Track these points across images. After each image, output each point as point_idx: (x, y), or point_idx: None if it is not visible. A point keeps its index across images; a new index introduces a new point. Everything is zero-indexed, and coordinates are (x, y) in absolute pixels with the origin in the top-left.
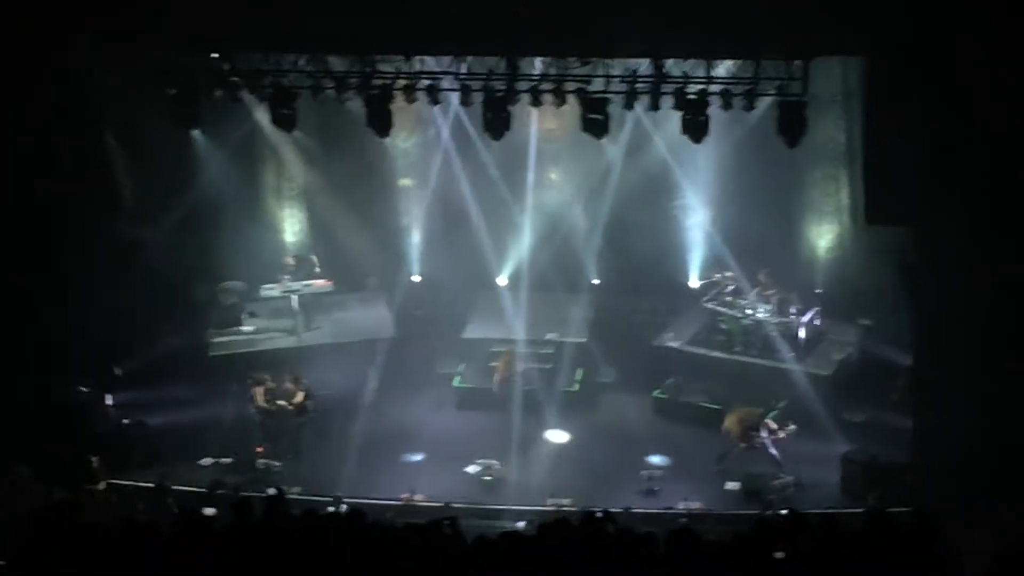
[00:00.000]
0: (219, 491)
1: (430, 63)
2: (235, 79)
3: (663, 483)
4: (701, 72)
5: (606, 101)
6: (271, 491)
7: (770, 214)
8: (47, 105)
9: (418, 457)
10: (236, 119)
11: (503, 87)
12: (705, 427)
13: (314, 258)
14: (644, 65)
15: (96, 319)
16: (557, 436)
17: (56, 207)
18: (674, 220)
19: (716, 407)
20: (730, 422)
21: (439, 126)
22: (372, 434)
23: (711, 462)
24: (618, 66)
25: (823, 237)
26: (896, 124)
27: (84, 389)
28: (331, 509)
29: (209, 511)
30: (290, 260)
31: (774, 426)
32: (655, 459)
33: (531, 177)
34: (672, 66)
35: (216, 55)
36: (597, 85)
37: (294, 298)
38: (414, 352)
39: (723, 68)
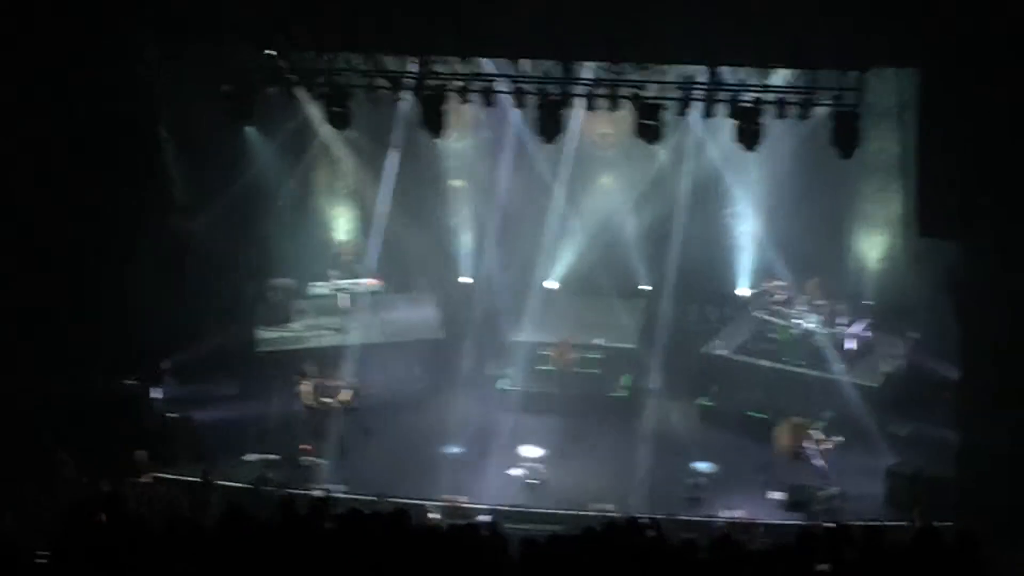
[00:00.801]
0: (264, 487)
1: (485, 65)
2: (290, 76)
3: (707, 491)
4: (756, 80)
5: (660, 107)
6: (318, 493)
7: (821, 224)
8: (102, 98)
9: (456, 450)
10: (289, 116)
11: (557, 91)
12: (750, 436)
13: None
14: (699, 72)
15: (145, 314)
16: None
17: (108, 201)
18: (725, 228)
19: (762, 416)
20: (783, 433)
21: (492, 128)
22: (418, 434)
23: (756, 471)
24: (673, 72)
25: (874, 248)
26: (951, 137)
27: (131, 383)
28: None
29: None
30: (345, 255)
31: (820, 437)
32: (701, 465)
33: (583, 181)
34: (727, 74)
35: (272, 52)
36: (651, 91)
37: (343, 296)
38: (462, 353)
39: (778, 77)
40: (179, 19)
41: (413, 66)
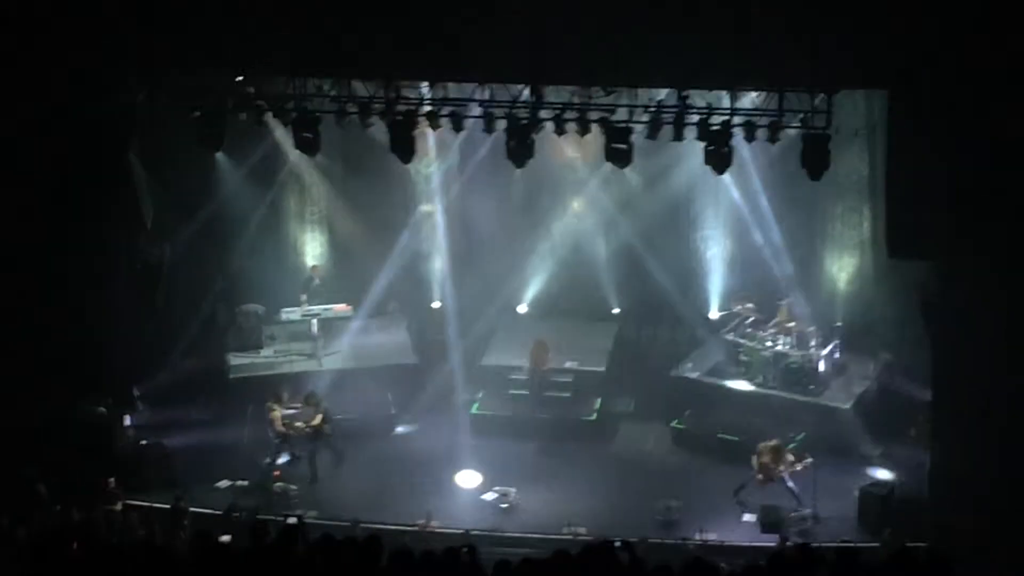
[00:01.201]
0: (235, 514)
1: (454, 90)
2: (260, 102)
3: (680, 514)
4: (725, 103)
5: (630, 131)
6: (291, 520)
7: (791, 246)
8: (72, 124)
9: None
10: (259, 142)
11: (527, 115)
12: (723, 458)
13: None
14: (668, 95)
15: (116, 339)
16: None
17: (78, 226)
18: (695, 251)
19: (734, 439)
20: (762, 454)
21: (462, 153)
22: (389, 459)
23: (728, 493)
24: (642, 96)
25: (844, 270)
26: (920, 158)
27: (103, 409)
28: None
29: (225, 538)
30: (316, 275)
31: (791, 459)
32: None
33: (553, 205)
34: (696, 97)
35: (241, 78)
36: (621, 115)
37: (314, 322)
38: (433, 378)
39: (747, 100)
40: (159, 49)
41: (383, 92)
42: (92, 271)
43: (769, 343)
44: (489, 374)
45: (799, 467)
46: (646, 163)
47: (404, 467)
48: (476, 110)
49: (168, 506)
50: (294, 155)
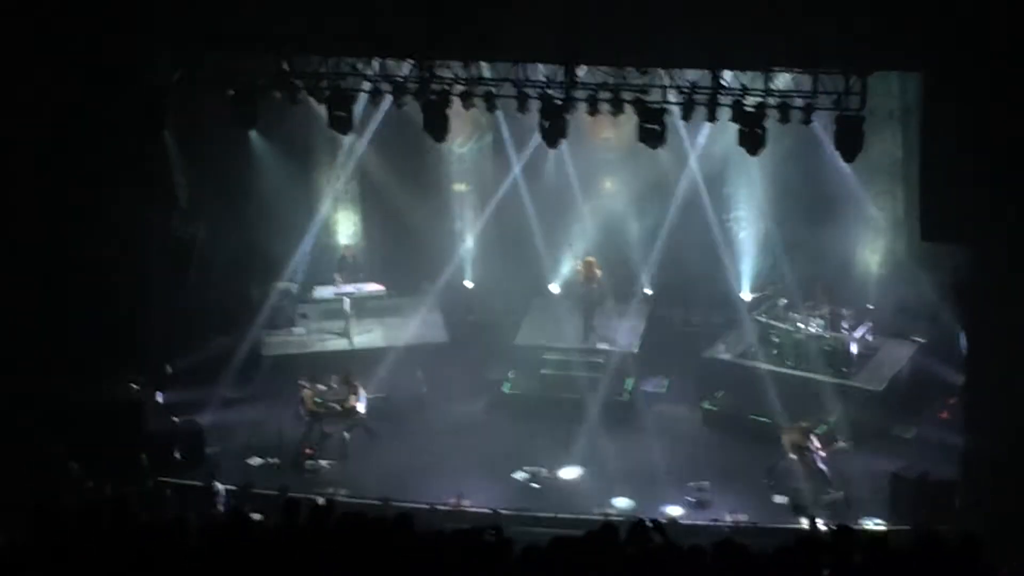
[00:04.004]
0: (252, 490)
1: (487, 70)
2: (294, 81)
3: (711, 495)
4: (759, 84)
5: (663, 112)
6: (320, 501)
7: (824, 228)
8: (108, 104)
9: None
10: (293, 120)
11: (560, 95)
12: (754, 440)
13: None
14: (702, 76)
15: (149, 318)
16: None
17: (113, 205)
18: (728, 232)
19: (766, 420)
20: (790, 435)
21: (495, 132)
22: (421, 438)
23: (759, 475)
24: (676, 77)
25: (877, 252)
26: (953, 141)
27: (135, 387)
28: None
29: (256, 516)
30: (348, 256)
31: (824, 440)
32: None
33: (586, 186)
34: (730, 78)
35: (276, 56)
36: (654, 95)
37: (346, 300)
38: (465, 357)
39: (781, 81)
40: (194, 29)
41: (417, 71)
42: (126, 249)
43: (801, 325)
44: (521, 353)
45: (831, 449)
46: (679, 144)
47: (435, 446)
48: (510, 90)
49: (199, 483)
50: (328, 133)
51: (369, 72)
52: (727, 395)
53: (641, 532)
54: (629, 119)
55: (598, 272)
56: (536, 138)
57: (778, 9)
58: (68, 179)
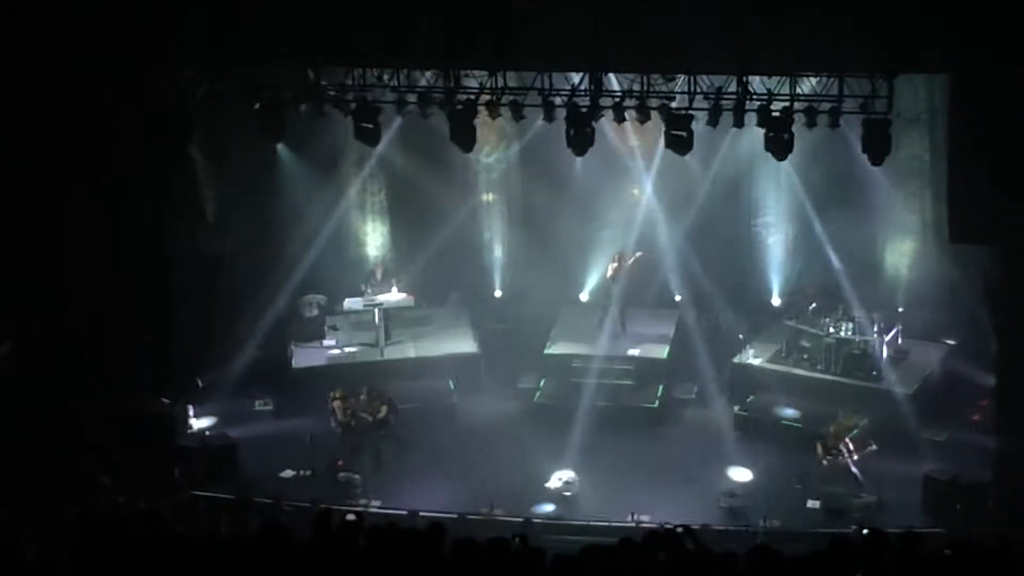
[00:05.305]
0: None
1: (513, 78)
2: (321, 93)
3: (744, 500)
4: (785, 89)
5: (690, 118)
6: (350, 517)
7: (853, 232)
8: (134, 117)
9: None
10: (320, 133)
11: (587, 103)
12: (785, 445)
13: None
14: (728, 82)
15: (179, 332)
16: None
17: (140, 218)
18: (757, 237)
19: (797, 425)
20: (828, 439)
21: (523, 141)
22: (453, 448)
23: (792, 480)
24: (702, 83)
25: (906, 255)
26: (981, 142)
27: (167, 401)
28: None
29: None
30: (377, 271)
31: (856, 444)
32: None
33: (613, 193)
34: (757, 83)
35: (302, 68)
36: (681, 102)
37: (376, 312)
38: (496, 367)
39: (807, 85)
40: (220, 43)
41: (442, 81)
42: (155, 262)
43: (831, 329)
44: (552, 362)
45: (864, 453)
46: (706, 150)
47: (467, 455)
48: (536, 99)
49: (232, 496)
50: (355, 145)
51: (394, 83)
52: (758, 400)
53: (673, 539)
54: (656, 125)
55: (629, 262)
56: (562, 145)
57: (804, 13)
58: (95, 195)
